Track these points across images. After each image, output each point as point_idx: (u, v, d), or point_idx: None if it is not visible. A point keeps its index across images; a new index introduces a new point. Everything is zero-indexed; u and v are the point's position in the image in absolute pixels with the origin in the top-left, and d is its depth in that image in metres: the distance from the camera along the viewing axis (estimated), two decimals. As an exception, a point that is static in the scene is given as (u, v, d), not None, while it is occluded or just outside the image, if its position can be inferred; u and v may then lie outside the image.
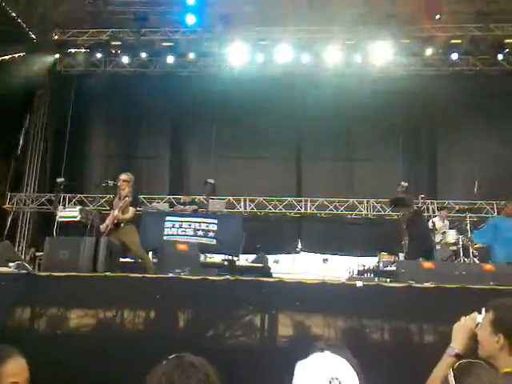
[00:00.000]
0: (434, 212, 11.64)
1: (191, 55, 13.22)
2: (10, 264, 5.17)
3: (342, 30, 12.56)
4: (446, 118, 13.34)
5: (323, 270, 10.80)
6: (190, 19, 12.22)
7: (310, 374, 1.47)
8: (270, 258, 10.06)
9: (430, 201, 11.82)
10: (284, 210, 12.90)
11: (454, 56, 12.84)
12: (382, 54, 12.62)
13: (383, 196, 12.21)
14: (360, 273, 9.16)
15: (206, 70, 13.90)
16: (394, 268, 7.51)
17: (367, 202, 12.71)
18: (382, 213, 12.49)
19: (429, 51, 12.77)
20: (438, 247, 8.01)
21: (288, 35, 12.82)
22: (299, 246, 13.00)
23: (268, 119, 12.85)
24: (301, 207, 12.90)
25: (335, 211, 12.69)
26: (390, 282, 5.60)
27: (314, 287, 4.90)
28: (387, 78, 13.14)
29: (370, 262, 9.97)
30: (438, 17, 11.73)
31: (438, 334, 4.29)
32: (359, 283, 4.83)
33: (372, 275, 8.28)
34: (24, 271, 4.82)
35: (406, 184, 9.07)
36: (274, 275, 8.38)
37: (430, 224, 8.61)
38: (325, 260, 11.47)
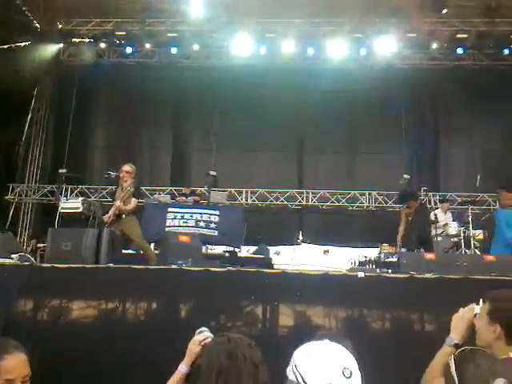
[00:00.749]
0: (435, 204, 11.66)
1: (195, 46, 13.19)
2: (13, 255, 5.20)
3: (347, 23, 12.49)
4: (449, 111, 13.36)
5: (324, 262, 10.82)
6: (195, 11, 12.17)
7: (319, 361, 1.46)
8: (271, 249, 10.10)
9: (431, 193, 11.86)
10: (285, 202, 12.95)
11: (460, 50, 12.78)
12: (387, 48, 12.54)
13: (384, 188, 12.25)
14: (361, 264, 9.19)
15: (209, 62, 13.87)
16: (395, 259, 7.53)
17: (369, 194, 12.75)
18: (384, 205, 12.53)
19: (434, 45, 12.71)
20: (439, 239, 8.00)
21: (292, 27, 12.75)
22: (300, 237, 13.01)
23: (270, 111, 12.84)
24: (302, 199, 12.93)
25: (337, 203, 12.73)
26: (392, 272, 5.61)
27: (316, 278, 4.93)
28: (391, 70, 13.10)
29: (372, 253, 9.99)
30: (444, 11, 11.65)
31: (439, 324, 4.31)
32: (361, 274, 4.84)
33: (373, 266, 8.30)
34: (27, 262, 4.85)
35: (409, 176, 9.09)
36: (275, 266, 8.40)
37: (432, 216, 8.61)
38: (326, 251, 11.51)
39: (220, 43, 13.30)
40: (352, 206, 12.83)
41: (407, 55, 13.37)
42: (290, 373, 1.49)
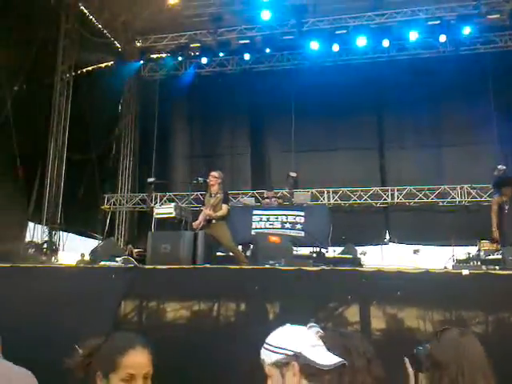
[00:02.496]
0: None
1: (267, 51, 13.29)
2: (117, 258, 5.50)
3: (424, 11, 11.95)
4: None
5: (414, 262, 10.33)
6: (265, 15, 12.29)
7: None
8: (357, 249, 9.82)
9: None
10: (369, 201, 12.56)
11: None
12: (468, 32, 11.80)
13: (478, 181, 11.47)
14: (461, 262, 8.61)
15: (282, 65, 13.95)
16: (497, 256, 6.96)
17: (461, 189, 11.99)
18: (478, 199, 11.69)
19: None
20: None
21: (365, 21, 12.43)
22: (387, 236, 12.59)
23: (348, 109, 12.62)
24: (387, 196, 12.47)
25: (425, 199, 12.12)
26: (500, 269, 5.18)
27: (416, 276, 4.67)
28: (474, 56, 12.38)
29: (469, 251, 9.35)
30: None
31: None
32: (465, 271, 4.52)
33: (478, 263, 7.73)
34: (131, 265, 5.10)
35: (504, 167, 8.46)
36: (365, 267, 8.14)
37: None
38: (415, 251, 10.99)
39: (292, 45, 13.27)
40: (442, 202, 12.14)
41: (491, 39, 12.51)
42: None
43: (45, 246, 11.44)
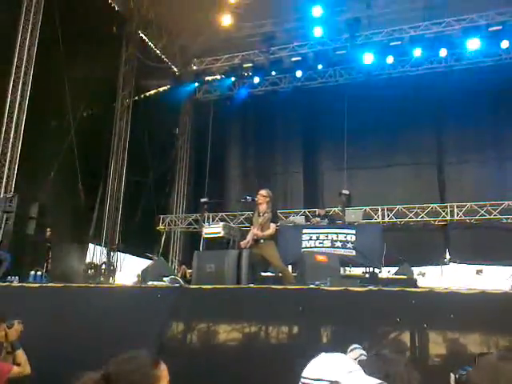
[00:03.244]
0: None
1: (319, 67, 13.29)
2: (165, 278, 5.63)
3: (483, 17, 11.50)
4: None
5: (477, 283, 9.74)
6: (318, 31, 12.34)
7: (358, 374, 1.40)
8: (415, 270, 9.40)
9: None
10: (427, 218, 12.07)
11: None
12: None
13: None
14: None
15: (334, 80, 13.90)
16: None
17: (526, 204, 11.27)
18: (546, 215, 10.93)
19: None
20: None
21: (420, 31, 12.14)
22: (447, 256, 11.98)
23: (404, 123, 12.32)
24: (446, 214, 11.94)
25: (487, 216, 11.48)
26: None
27: (471, 297, 4.41)
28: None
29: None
30: None
31: None
32: (525, 293, 4.21)
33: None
34: (177, 284, 5.20)
35: None
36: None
37: None
38: (478, 271, 10.39)
39: (345, 59, 13.19)
40: (507, 218, 11.43)
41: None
42: None
43: (103, 266, 11.94)
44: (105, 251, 12.26)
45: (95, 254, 12.15)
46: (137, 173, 13.17)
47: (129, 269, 12.32)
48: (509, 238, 11.36)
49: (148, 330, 4.40)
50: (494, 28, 11.37)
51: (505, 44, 11.58)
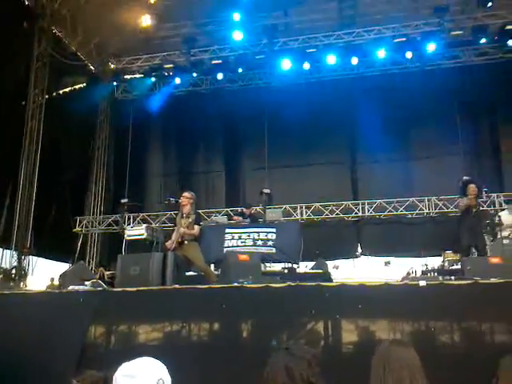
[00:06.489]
0: (500, 205, 11.17)
1: (240, 70, 13.54)
2: (86, 282, 5.57)
3: (390, 29, 12.45)
4: (506, 106, 12.76)
5: (385, 274, 10.60)
6: (237, 35, 12.59)
7: (138, 379, 1.64)
8: (330, 263, 10.02)
9: (495, 194, 11.38)
10: (341, 215, 12.80)
11: (511, 42, 12.25)
12: (433, 48, 12.29)
13: (445, 193, 11.87)
14: (423, 273, 8.92)
15: (254, 83, 14.23)
16: (459, 266, 7.26)
17: (428, 201, 12.35)
18: (445, 210, 12.06)
19: (482, 40, 12.28)
20: (506, 241, 7.63)
21: (333, 40, 12.86)
22: (359, 249, 12.84)
23: (319, 126, 12.92)
24: (358, 210, 12.76)
25: (395, 212, 12.44)
26: (455, 279, 5.44)
27: (377, 289, 4.88)
28: (438, 71, 12.86)
29: (435, 262, 9.68)
30: (489, 4, 11.35)
31: (508, 331, 4.15)
32: (422, 283, 4.75)
33: (435, 274, 8.02)
34: (100, 288, 5.17)
35: (468, 178, 8.79)
36: (334, 281, 8.33)
37: (496, 219, 8.26)
38: (387, 263, 11.28)
39: (264, 64, 13.58)
40: (411, 214, 12.49)
41: (455, 54, 13.07)
42: None
43: (13, 271, 11.29)
44: (15, 255, 11.59)
45: (4, 258, 11.45)
46: (51, 172, 12.57)
47: (42, 273, 11.77)
48: (413, 232, 12.42)
49: (71, 335, 4.37)
50: (399, 39, 12.36)
51: (408, 54, 12.54)
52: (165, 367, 1.73)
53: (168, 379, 1.68)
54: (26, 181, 11.92)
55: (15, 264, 11.52)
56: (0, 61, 10.53)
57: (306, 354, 1.74)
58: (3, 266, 11.31)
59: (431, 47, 12.22)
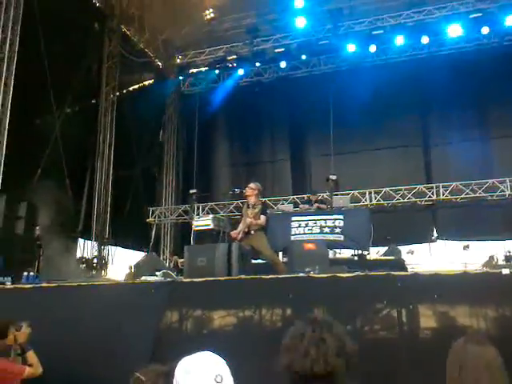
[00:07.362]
0: None
1: (303, 57, 13.35)
2: (157, 273, 5.74)
3: (464, 4, 11.65)
4: None
5: (464, 258, 9.99)
6: (300, 22, 12.39)
7: (195, 375, 1.55)
8: (404, 248, 9.62)
9: None
10: (414, 199, 12.26)
11: None
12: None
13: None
14: (507, 259, 8.28)
15: (318, 69, 14.02)
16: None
17: (510, 181, 11.48)
18: (530, 191, 11.17)
19: None
20: None
21: (402, 19, 12.25)
22: (435, 234, 12.25)
23: (386, 109, 12.51)
24: (432, 194, 12.14)
25: (472, 194, 11.71)
26: (544, 267, 4.97)
27: (454, 278, 4.57)
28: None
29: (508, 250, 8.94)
30: None
31: None
32: (505, 271, 4.38)
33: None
34: (169, 279, 5.31)
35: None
36: (409, 267, 7.97)
37: None
38: (465, 247, 10.64)
39: (328, 49, 13.25)
40: (491, 196, 11.67)
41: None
42: None
43: (95, 261, 12.00)
44: (95, 245, 12.32)
45: (85, 248, 12.21)
46: (125, 166, 13.19)
47: (120, 261, 12.43)
48: (493, 214, 11.65)
49: (144, 325, 4.52)
50: (475, 15, 11.52)
51: (485, 30, 11.76)
52: (224, 362, 1.67)
53: (227, 375, 1.61)
54: (102, 175, 12.60)
55: (96, 254, 12.27)
56: (73, 61, 11.10)
57: (340, 326, 1.66)
58: (85, 255, 12.08)
59: (510, 21, 11.28)
